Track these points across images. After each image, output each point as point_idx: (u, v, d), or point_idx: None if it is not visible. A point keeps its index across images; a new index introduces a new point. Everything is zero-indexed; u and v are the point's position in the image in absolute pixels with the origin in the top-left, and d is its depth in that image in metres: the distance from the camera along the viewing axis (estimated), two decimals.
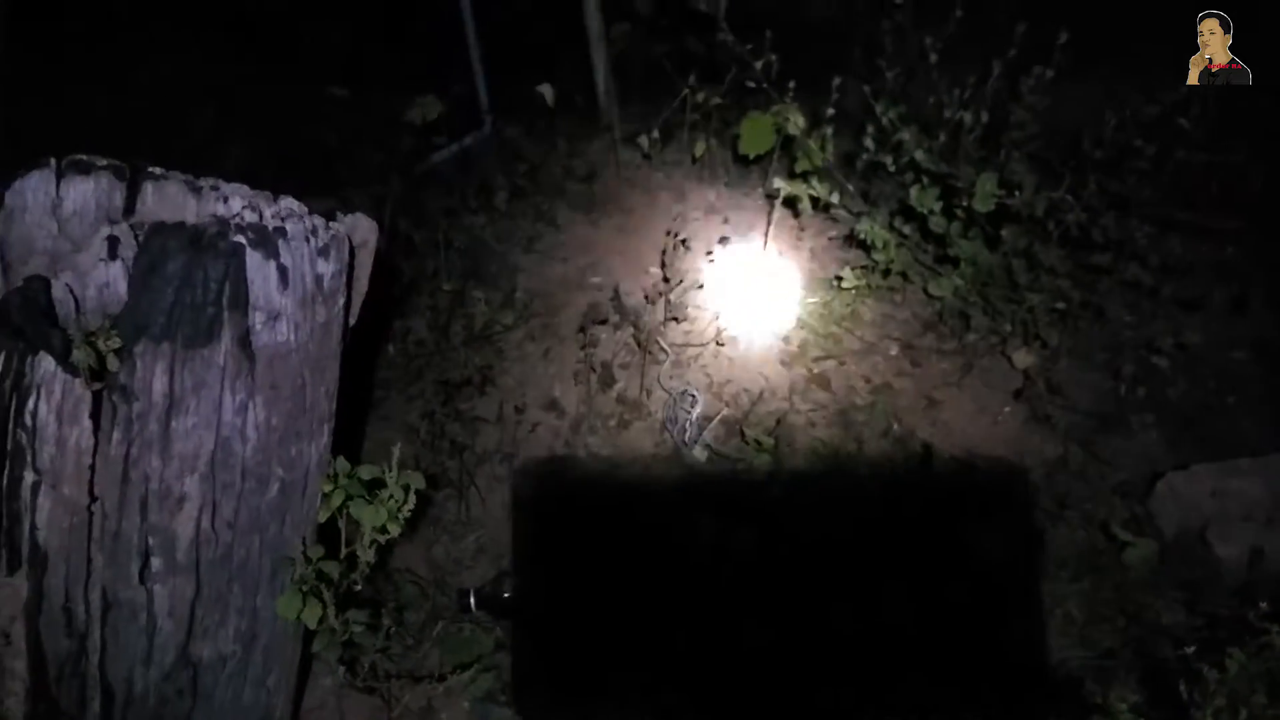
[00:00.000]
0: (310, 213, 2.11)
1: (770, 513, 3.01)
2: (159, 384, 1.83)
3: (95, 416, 1.82)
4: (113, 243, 2.01)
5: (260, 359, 1.92)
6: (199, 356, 1.84)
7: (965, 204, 3.41)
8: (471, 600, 2.81)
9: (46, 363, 1.78)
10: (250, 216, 1.98)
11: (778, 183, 3.64)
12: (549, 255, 3.92)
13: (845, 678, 2.69)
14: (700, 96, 4.04)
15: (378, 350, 3.51)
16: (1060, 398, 3.39)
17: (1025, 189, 3.31)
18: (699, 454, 3.17)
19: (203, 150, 4.07)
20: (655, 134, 4.08)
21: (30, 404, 1.79)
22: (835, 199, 3.69)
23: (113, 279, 2.00)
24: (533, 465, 3.21)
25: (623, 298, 3.57)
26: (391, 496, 2.08)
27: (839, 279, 3.67)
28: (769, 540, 2.95)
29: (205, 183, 2.21)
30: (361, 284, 2.21)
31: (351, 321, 2.24)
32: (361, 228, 2.21)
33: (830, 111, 3.67)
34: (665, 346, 3.37)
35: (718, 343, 3.41)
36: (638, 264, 3.86)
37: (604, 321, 3.31)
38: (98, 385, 1.79)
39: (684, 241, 3.30)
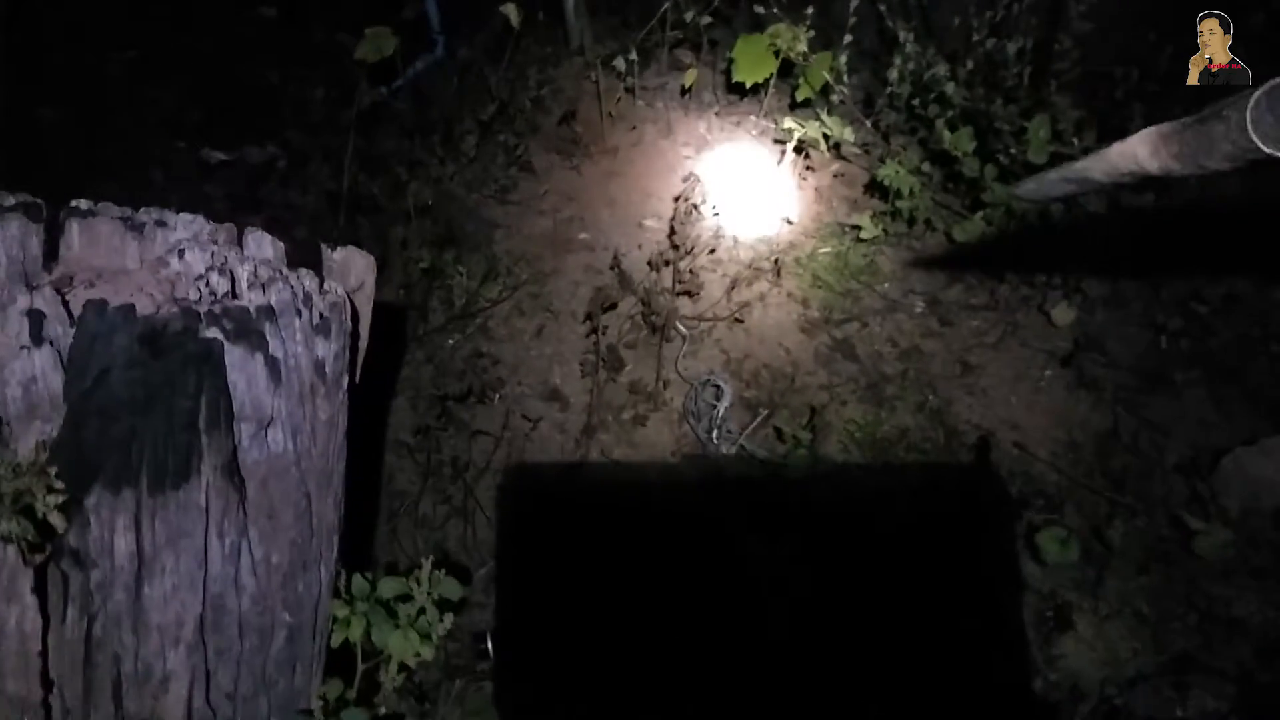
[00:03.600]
0: (293, 262, 1.57)
1: (810, 520, 2.62)
2: (122, 543, 1.32)
3: (40, 590, 1.31)
4: (35, 320, 1.46)
5: (251, 482, 1.41)
6: (173, 500, 1.33)
7: (1006, 148, 2.95)
8: (489, 645, 2.39)
9: None
10: (219, 283, 1.44)
11: (789, 123, 3.12)
12: (528, 207, 3.37)
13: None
14: (689, 16, 3.45)
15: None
16: (1101, 354, 3.03)
17: (1079, 132, 2.86)
18: (726, 451, 2.74)
19: (123, 97, 3.40)
20: (633, 55, 3.48)
21: None
22: (850, 136, 3.19)
23: (41, 371, 1.46)
24: (539, 473, 2.75)
25: (621, 260, 3.07)
26: (422, 612, 1.61)
27: (857, 228, 3.20)
28: (810, 554, 2.58)
29: (147, 216, 1.66)
30: (362, 338, 1.69)
31: (355, 380, 1.72)
32: (357, 267, 1.68)
33: (848, 39, 3.14)
34: (681, 329, 2.89)
35: (736, 319, 2.94)
36: (628, 215, 3.35)
37: (613, 307, 2.80)
38: (39, 556, 1.27)
39: (696, 207, 2.78)
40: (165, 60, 3.61)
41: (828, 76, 3.19)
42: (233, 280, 1.46)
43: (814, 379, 2.96)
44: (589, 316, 2.77)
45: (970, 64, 3.10)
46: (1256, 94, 1.33)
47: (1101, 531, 2.65)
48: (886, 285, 3.18)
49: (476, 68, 3.62)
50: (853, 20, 3.10)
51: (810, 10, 3.03)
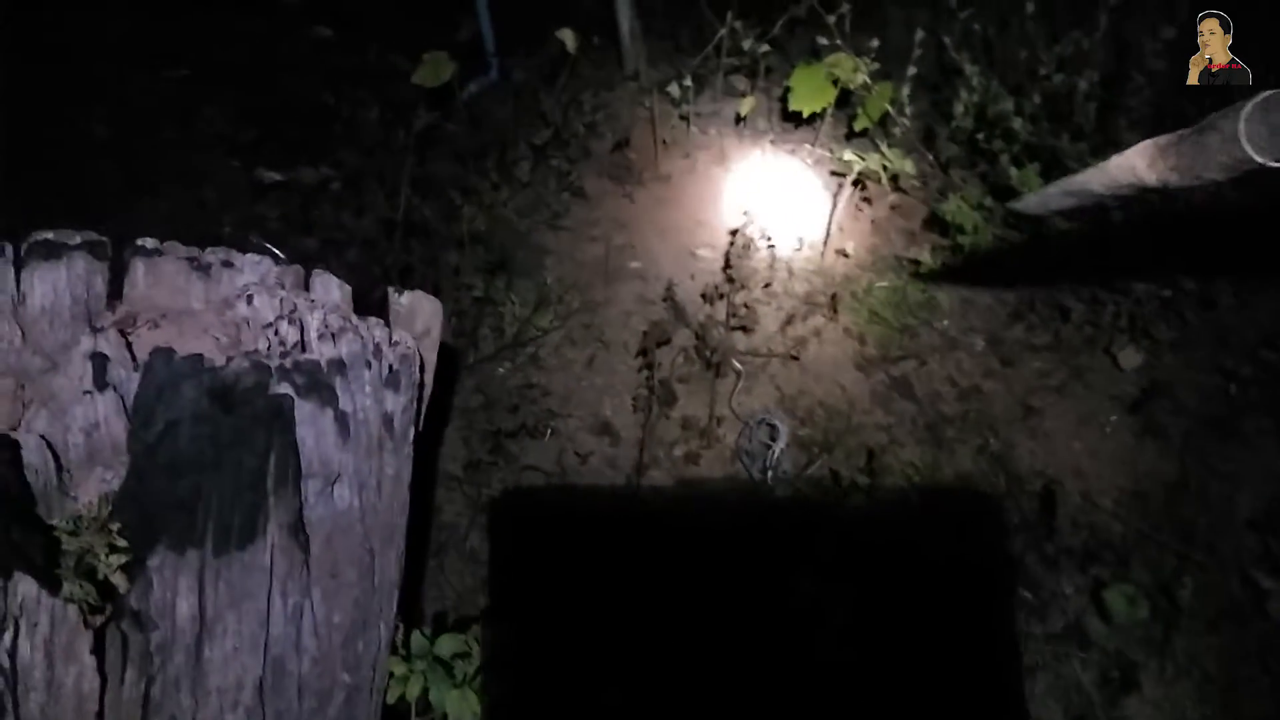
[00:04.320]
0: (359, 308, 1.52)
1: (866, 567, 2.54)
2: (184, 604, 1.27)
3: (99, 650, 1.27)
4: (99, 364, 1.42)
5: (316, 540, 1.36)
6: (237, 562, 1.28)
7: None
8: None
9: (25, 586, 1.22)
10: (289, 333, 1.39)
11: (848, 155, 3.05)
12: (580, 234, 3.32)
13: None
14: (747, 43, 3.39)
15: None
16: (1169, 400, 2.92)
17: None
18: (780, 492, 2.67)
19: (177, 116, 3.39)
20: (688, 81, 3.43)
21: (7, 640, 1.23)
22: (910, 169, 3.11)
23: (103, 417, 1.42)
24: (590, 509, 2.69)
25: (674, 291, 3.01)
26: (480, 671, 1.56)
27: (916, 262, 3.12)
28: (865, 603, 2.50)
29: (213, 256, 1.62)
30: (427, 386, 1.64)
31: (419, 429, 1.67)
32: (423, 312, 1.63)
33: (911, 70, 3.07)
34: (736, 365, 2.82)
35: (791, 355, 2.87)
36: (681, 244, 3.29)
37: (667, 342, 2.74)
38: (99, 619, 1.23)
39: (751, 241, 2.72)
40: (219, 78, 3.59)
41: (889, 108, 3.11)
42: (302, 329, 1.41)
43: (870, 418, 2.88)
44: (643, 352, 2.71)
45: (1037, 98, 3.02)
46: (1249, 106, 1.35)
47: (1169, 588, 2.55)
48: (945, 322, 3.10)
49: (531, 91, 3.58)
50: (918, 53, 3.03)
51: (875, 43, 2.95)
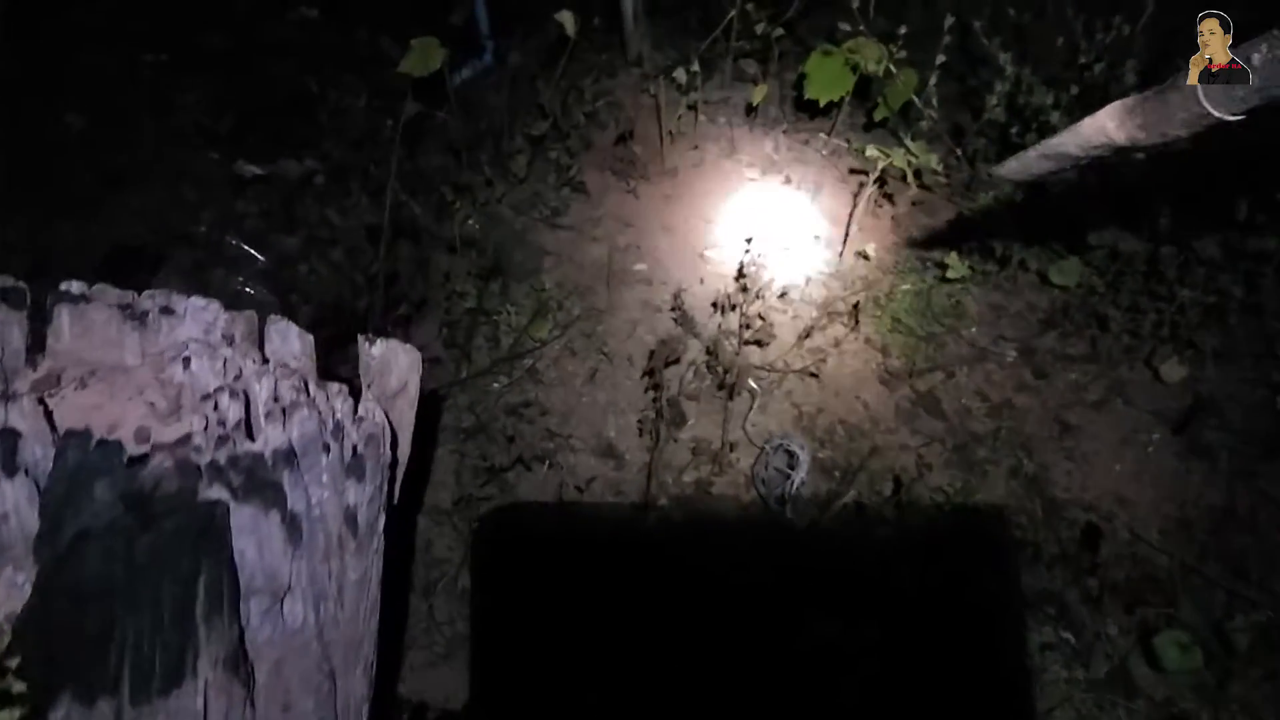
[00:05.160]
0: (323, 360, 1.24)
1: (893, 604, 2.29)
2: None
3: None
4: (8, 442, 1.15)
5: (262, 667, 1.10)
6: (161, 710, 1.01)
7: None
8: None
9: None
10: (230, 410, 1.11)
11: (871, 151, 2.75)
12: (581, 232, 3.03)
13: None
14: (759, 26, 3.08)
15: None
16: (1214, 416, 2.65)
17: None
18: (800, 524, 2.40)
19: (154, 103, 3.09)
20: (695, 67, 3.12)
21: None
22: (936, 164, 2.82)
23: (13, 506, 1.15)
24: (592, 540, 2.43)
25: (682, 297, 2.73)
26: None
27: (942, 266, 2.84)
28: (891, 644, 2.24)
29: (150, 302, 1.34)
30: (401, 462, 1.36)
31: (394, 503, 1.40)
32: (399, 366, 1.35)
33: (940, 59, 2.77)
34: (752, 384, 2.55)
35: (810, 372, 2.59)
36: (688, 244, 3.00)
37: (676, 361, 2.47)
38: None
39: (761, 253, 2.44)
40: (199, 63, 3.29)
41: (916, 100, 2.82)
42: (247, 403, 1.13)
43: (895, 438, 2.61)
44: (650, 373, 2.43)
45: (1075, 90, 2.72)
46: None
47: (1222, 629, 2.29)
48: (974, 330, 2.82)
49: (527, 77, 3.28)
50: (946, 39, 2.73)
51: (903, 30, 2.65)
